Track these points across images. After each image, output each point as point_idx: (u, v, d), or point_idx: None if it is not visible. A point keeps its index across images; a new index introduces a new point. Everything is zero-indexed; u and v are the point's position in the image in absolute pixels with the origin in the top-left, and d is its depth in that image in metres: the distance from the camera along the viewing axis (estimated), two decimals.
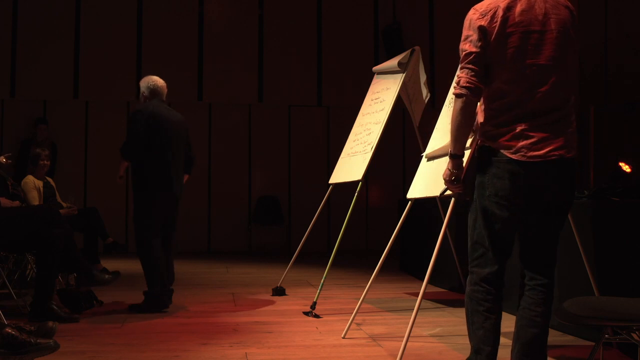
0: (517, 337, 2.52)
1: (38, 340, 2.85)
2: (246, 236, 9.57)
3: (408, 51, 5.02)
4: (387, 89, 5.16)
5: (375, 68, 5.62)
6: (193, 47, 9.67)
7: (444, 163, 3.64)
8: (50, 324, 3.18)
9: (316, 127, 9.92)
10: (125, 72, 9.46)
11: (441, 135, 3.86)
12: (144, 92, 4.89)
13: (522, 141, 2.43)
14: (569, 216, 3.43)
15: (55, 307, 4.11)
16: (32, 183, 5.56)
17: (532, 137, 2.43)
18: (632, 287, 3.25)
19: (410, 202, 3.88)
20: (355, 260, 7.96)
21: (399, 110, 6.27)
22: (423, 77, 5.08)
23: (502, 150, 2.46)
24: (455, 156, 2.57)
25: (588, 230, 3.59)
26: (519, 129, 2.45)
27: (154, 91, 4.89)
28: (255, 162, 9.84)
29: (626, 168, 6.25)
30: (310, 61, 9.85)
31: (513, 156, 2.44)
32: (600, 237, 3.57)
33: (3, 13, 9.16)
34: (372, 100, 5.29)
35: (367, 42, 10.07)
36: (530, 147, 2.42)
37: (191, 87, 9.66)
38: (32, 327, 3.06)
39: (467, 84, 2.47)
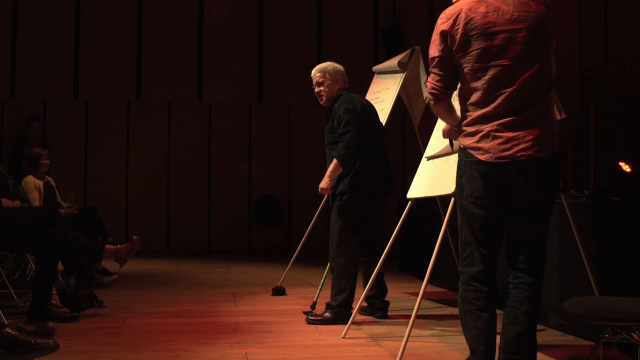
0: (502, 335, 2.53)
1: (38, 341, 2.85)
2: (246, 236, 9.57)
3: (408, 51, 5.02)
4: (387, 88, 5.16)
5: (375, 68, 5.62)
6: (193, 47, 9.67)
7: (444, 163, 3.64)
8: (51, 324, 3.18)
9: (316, 127, 9.90)
10: (125, 72, 9.48)
11: (441, 135, 3.85)
12: (337, 81, 4.32)
13: (491, 142, 2.44)
14: (569, 216, 3.44)
15: (54, 308, 4.11)
16: (32, 183, 5.55)
17: (500, 137, 2.43)
18: (632, 287, 3.25)
19: (410, 202, 3.88)
20: None
21: (399, 110, 6.26)
22: (423, 77, 5.07)
23: (472, 152, 2.49)
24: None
25: (588, 230, 3.59)
26: (487, 129, 2.46)
27: (344, 77, 4.36)
28: (255, 161, 9.84)
29: (626, 168, 6.24)
30: (310, 61, 9.82)
31: (482, 157, 2.46)
32: (600, 237, 3.56)
33: (3, 13, 9.16)
34: (372, 100, 5.28)
35: (367, 42, 10.07)
36: (499, 148, 2.43)
37: (191, 87, 9.67)
38: (32, 327, 3.06)
39: (432, 90, 2.62)
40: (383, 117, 4.84)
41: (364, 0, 10.10)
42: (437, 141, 3.87)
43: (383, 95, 5.14)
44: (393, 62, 5.11)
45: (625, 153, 6.76)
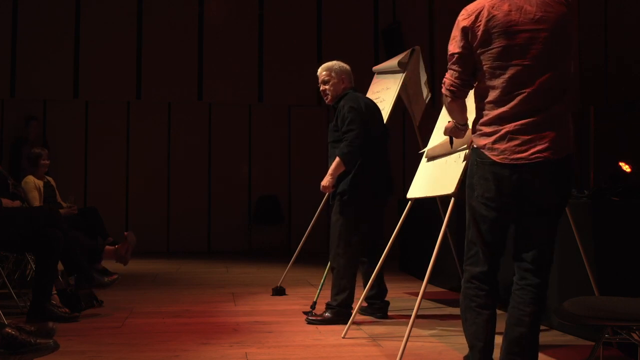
0: (504, 335, 2.52)
1: (38, 341, 2.85)
2: (246, 236, 9.57)
3: (408, 51, 5.02)
4: (387, 88, 5.16)
5: (375, 68, 5.62)
6: (193, 47, 9.67)
7: (444, 163, 3.64)
8: (50, 324, 3.18)
9: (316, 127, 9.91)
10: (125, 72, 9.47)
11: (441, 135, 3.85)
12: (343, 80, 4.33)
13: (507, 143, 2.42)
14: (569, 216, 3.44)
15: (54, 308, 4.11)
16: (32, 183, 5.55)
17: (516, 139, 2.41)
18: (632, 287, 3.25)
19: (410, 202, 3.88)
20: None
21: (399, 110, 6.26)
22: (423, 77, 5.08)
23: (486, 152, 2.47)
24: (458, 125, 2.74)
25: (588, 230, 3.59)
26: (503, 130, 2.44)
27: (350, 76, 4.35)
28: (255, 162, 9.84)
29: (626, 168, 6.24)
30: (310, 61, 9.84)
31: (496, 158, 2.44)
32: (600, 237, 3.56)
33: (3, 13, 9.16)
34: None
35: (367, 42, 10.07)
36: (514, 150, 2.41)
37: (191, 87, 9.67)
38: (32, 327, 3.06)
39: (450, 87, 2.57)
40: (383, 117, 4.84)
41: (364, 0, 10.09)
42: (437, 141, 3.87)
43: (383, 95, 5.14)
44: (393, 62, 5.11)
45: (625, 153, 6.76)
